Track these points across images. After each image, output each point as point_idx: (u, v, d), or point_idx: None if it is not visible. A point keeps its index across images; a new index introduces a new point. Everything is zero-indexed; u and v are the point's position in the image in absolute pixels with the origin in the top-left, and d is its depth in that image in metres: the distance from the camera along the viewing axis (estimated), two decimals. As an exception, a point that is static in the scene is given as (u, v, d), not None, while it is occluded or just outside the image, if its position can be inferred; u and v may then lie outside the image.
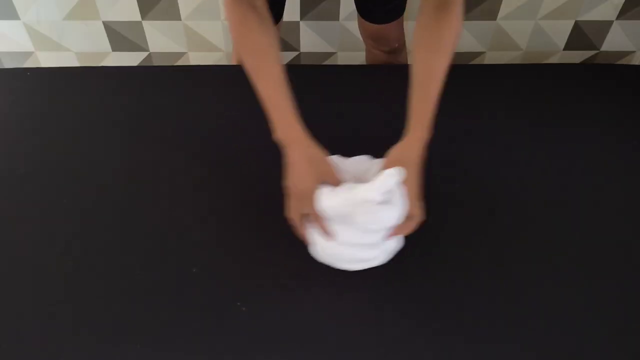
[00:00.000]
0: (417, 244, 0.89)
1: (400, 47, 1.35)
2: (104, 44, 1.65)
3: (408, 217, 0.78)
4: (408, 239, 0.91)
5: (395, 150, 0.84)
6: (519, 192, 0.98)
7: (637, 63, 1.68)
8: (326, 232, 0.78)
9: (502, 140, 1.09)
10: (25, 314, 0.81)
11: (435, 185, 0.99)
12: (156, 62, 1.70)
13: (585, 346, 0.77)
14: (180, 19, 1.57)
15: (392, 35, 1.28)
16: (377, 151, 1.05)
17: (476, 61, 1.68)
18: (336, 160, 0.86)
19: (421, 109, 0.85)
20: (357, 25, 1.57)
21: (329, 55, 1.68)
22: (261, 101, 0.84)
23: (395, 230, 0.79)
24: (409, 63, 0.89)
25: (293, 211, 0.81)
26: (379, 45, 1.32)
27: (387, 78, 1.24)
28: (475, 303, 0.82)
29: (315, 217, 0.79)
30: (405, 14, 1.24)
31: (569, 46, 1.64)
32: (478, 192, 0.98)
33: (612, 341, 0.78)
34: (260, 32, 0.85)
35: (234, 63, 1.38)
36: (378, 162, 0.84)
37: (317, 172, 0.80)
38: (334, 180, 0.80)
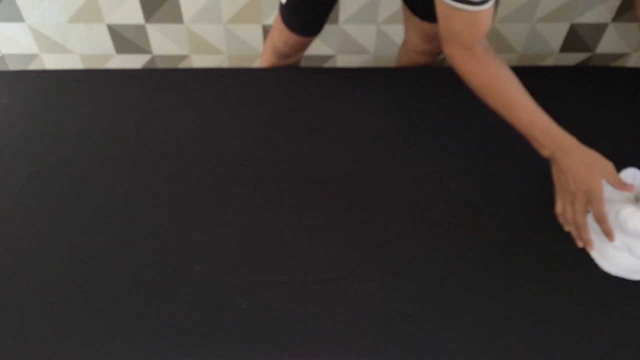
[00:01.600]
0: (416, 244, 0.92)
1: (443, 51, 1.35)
2: (108, 46, 1.66)
3: None
4: (406, 238, 0.93)
5: None
6: (516, 193, 0.99)
7: (632, 65, 1.69)
8: (609, 234, 0.84)
9: (498, 141, 1.10)
10: (25, 313, 0.82)
11: (432, 186, 1.01)
12: (159, 65, 1.71)
13: (586, 346, 0.79)
14: (182, 22, 1.59)
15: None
16: (377, 152, 1.07)
17: (473, 63, 1.70)
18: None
19: None
20: (356, 29, 1.59)
21: (328, 58, 1.69)
22: (520, 127, 0.90)
23: None
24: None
25: (579, 213, 0.86)
26: (431, 46, 1.31)
27: (386, 80, 1.25)
28: (476, 303, 0.84)
29: (600, 217, 0.83)
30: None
31: (564, 48, 1.65)
32: (475, 193, 1.00)
33: (611, 342, 0.79)
34: (497, 66, 0.92)
35: (263, 66, 1.39)
36: None
37: (599, 172, 0.85)
38: (615, 179, 0.85)
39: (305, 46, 1.33)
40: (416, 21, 1.27)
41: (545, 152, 0.89)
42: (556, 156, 0.88)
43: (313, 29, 1.27)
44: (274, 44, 1.32)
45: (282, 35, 1.27)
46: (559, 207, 0.90)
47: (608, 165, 0.85)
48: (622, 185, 0.84)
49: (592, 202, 0.83)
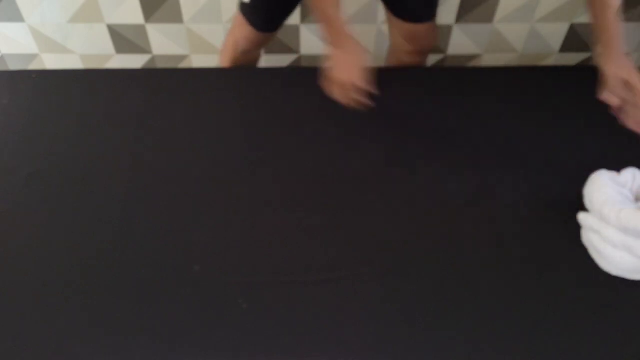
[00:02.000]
0: (417, 244, 0.92)
1: (430, 49, 1.37)
2: (108, 46, 1.67)
3: None
4: (406, 238, 0.93)
5: (611, 68, 1.03)
6: (516, 193, 0.99)
7: (632, 65, 1.69)
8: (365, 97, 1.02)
9: (499, 141, 1.10)
10: (25, 313, 0.82)
11: (429, 188, 1.01)
12: (159, 65, 1.72)
13: (586, 346, 0.79)
14: (182, 22, 1.59)
15: (427, 35, 1.31)
16: (377, 152, 1.07)
17: (473, 63, 1.70)
18: (610, 175, 0.92)
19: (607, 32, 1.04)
20: (356, 29, 1.59)
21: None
22: (321, 28, 1.04)
23: None
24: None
25: (345, 94, 1.05)
26: (415, 45, 1.33)
27: (387, 80, 1.25)
28: (476, 303, 0.84)
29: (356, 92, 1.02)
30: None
31: (564, 48, 1.66)
32: (474, 194, 1.00)
33: (611, 342, 0.79)
34: None
35: (224, 63, 1.41)
36: None
37: (356, 65, 1.02)
38: (365, 74, 1.01)
39: (267, 42, 1.37)
40: (398, 23, 1.29)
41: (329, 48, 1.04)
42: (333, 51, 1.04)
43: (276, 26, 1.31)
44: (235, 40, 1.35)
45: (244, 32, 1.30)
46: (334, 92, 1.06)
47: (364, 60, 1.03)
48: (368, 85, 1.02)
49: (349, 87, 1.02)
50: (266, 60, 1.66)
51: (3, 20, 1.60)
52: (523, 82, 1.27)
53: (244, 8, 1.26)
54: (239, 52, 1.36)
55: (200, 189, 1.01)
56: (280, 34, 1.58)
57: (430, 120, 1.14)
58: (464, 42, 1.64)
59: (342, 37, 1.04)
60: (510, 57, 1.68)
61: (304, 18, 1.59)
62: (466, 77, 1.28)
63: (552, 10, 1.55)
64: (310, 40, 1.65)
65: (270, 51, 1.65)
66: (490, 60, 1.69)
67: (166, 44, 1.66)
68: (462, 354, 0.77)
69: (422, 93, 1.21)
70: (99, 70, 1.34)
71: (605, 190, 0.88)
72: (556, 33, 1.62)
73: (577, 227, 0.92)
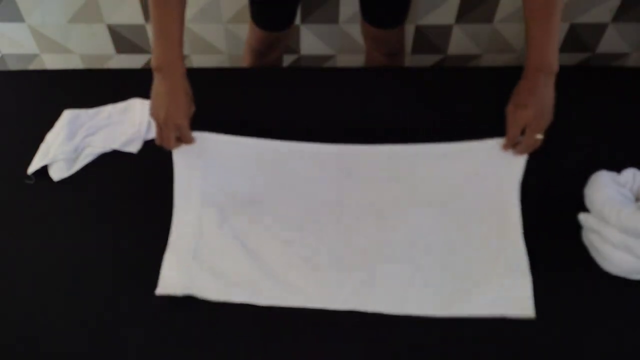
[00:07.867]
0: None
1: (399, 52, 1.37)
2: (108, 46, 1.67)
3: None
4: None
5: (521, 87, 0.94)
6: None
7: (632, 65, 1.69)
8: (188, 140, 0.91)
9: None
10: (25, 313, 0.82)
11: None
12: (159, 64, 1.72)
13: (586, 346, 0.79)
14: (182, 22, 1.59)
15: (392, 39, 1.32)
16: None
17: (472, 63, 1.70)
18: (610, 175, 0.91)
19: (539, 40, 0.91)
20: (356, 28, 1.60)
21: (329, 57, 1.70)
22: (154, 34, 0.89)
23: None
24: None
25: (163, 137, 0.90)
26: (378, 47, 1.35)
27: (387, 81, 1.25)
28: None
29: (185, 139, 0.91)
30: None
31: (564, 48, 1.66)
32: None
33: (611, 342, 0.80)
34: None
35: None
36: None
37: (164, 104, 0.88)
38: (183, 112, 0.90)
39: (277, 42, 1.36)
40: (366, 26, 1.31)
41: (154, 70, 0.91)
42: (155, 75, 0.91)
43: (280, 24, 1.30)
44: (250, 42, 1.36)
45: (254, 33, 1.31)
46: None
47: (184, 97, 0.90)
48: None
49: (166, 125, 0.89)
50: (266, 60, 1.66)
51: (3, 20, 1.60)
52: (523, 82, 1.27)
53: (250, 7, 1.28)
54: (255, 55, 1.38)
55: (201, 189, 1.00)
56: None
57: (430, 120, 1.14)
58: (463, 42, 1.64)
59: (168, 60, 0.89)
60: (510, 57, 1.68)
61: (304, 18, 1.59)
62: (466, 77, 1.28)
63: (552, 10, 1.55)
64: (310, 40, 1.65)
65: (270, 51, 1.65)
66: (490, 60, 1.69)
67: (166, 44, 1.65)
68: (461, 353, 0.77)
69: (421, 93, 1.21)
70: (99, 70, 1.34)
71: (605, 190, 0.88)
72: (556, 33, 1.62)
73: (577, 227, 0.92)
